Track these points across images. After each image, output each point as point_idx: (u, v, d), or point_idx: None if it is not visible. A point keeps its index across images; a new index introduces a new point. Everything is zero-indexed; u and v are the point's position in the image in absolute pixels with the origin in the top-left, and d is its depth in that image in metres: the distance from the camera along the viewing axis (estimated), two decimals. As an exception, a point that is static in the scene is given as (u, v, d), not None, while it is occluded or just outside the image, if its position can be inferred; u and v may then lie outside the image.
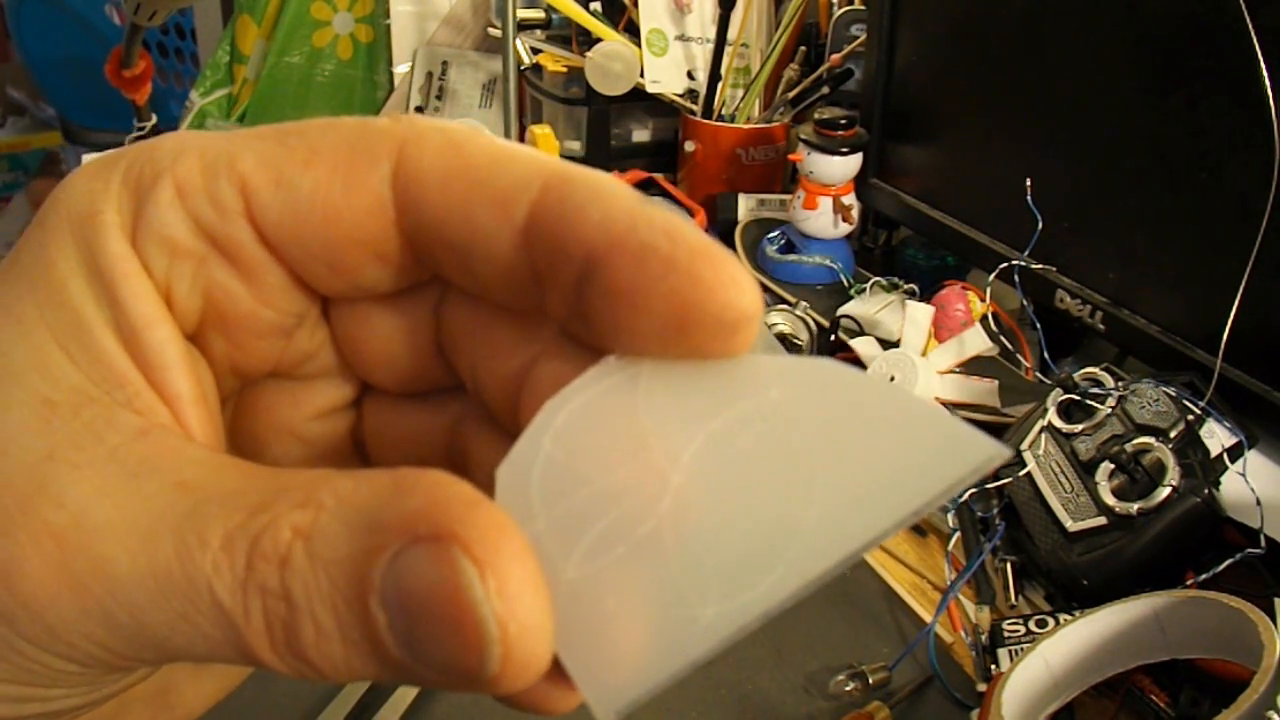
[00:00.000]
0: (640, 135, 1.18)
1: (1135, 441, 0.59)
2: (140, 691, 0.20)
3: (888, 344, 0.78)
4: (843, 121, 0.91)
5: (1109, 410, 0.62)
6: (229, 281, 0.18)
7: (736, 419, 0.15)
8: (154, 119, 1.17)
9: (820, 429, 0.15)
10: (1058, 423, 0.63)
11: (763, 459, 0.15)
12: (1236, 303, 0.62)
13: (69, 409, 0.16)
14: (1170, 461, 0.57)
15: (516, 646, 0.14)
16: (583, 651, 0.15)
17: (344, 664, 0.15)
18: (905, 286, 0.87)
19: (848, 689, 0.55)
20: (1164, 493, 0.56)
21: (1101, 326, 0.74)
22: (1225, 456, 0.58)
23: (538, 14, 1.18)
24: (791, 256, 0.95)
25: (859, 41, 1.00)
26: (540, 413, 0.16)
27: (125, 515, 0.15)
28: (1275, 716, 0.41)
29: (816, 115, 0.93)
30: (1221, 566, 0.56)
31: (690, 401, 0.16)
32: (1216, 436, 0.59)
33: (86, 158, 0.92)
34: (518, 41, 1.12)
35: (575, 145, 1.16)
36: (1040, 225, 0.75)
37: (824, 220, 0.93)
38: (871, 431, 0.15)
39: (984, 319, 0.78)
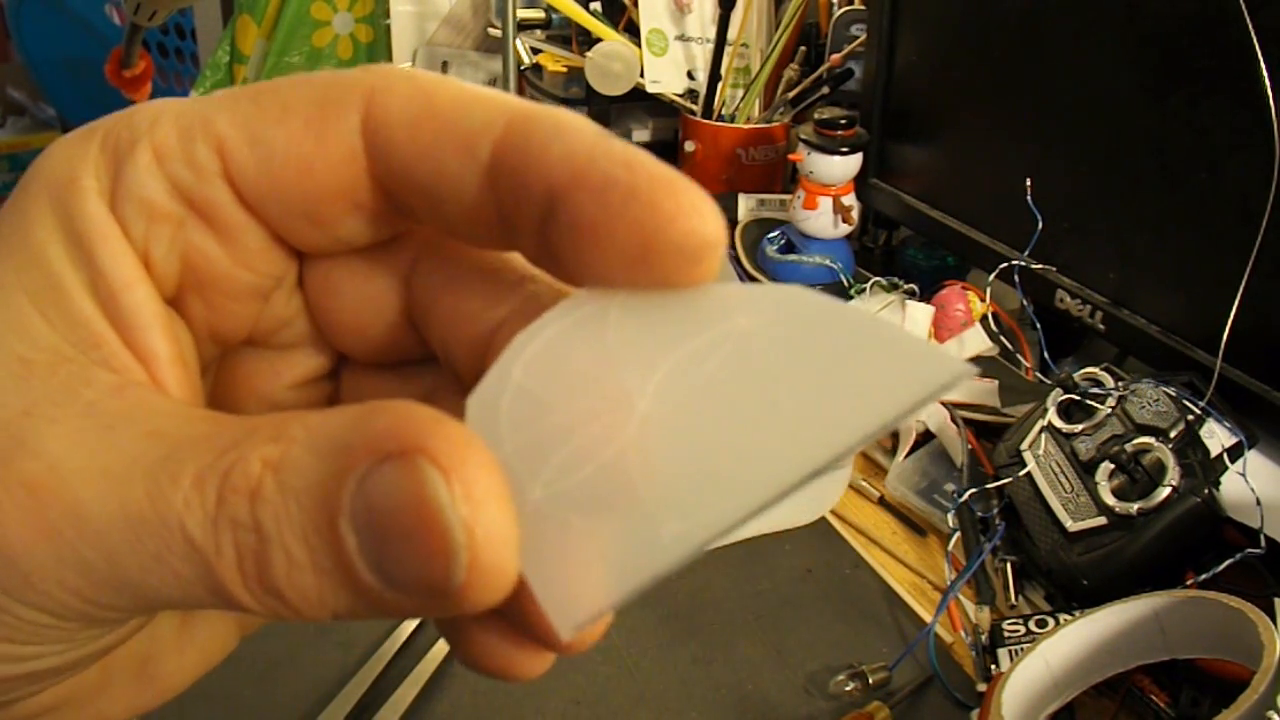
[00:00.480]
0: (640, 135, 1.18)
1: (1135, 441, 0.59)
2: (122, 663, 0.20)
3: (888, 344, 0.78)
4: (843, 121, 0.91)
5: (1109, 410, 0.62)
6: (206, 243, 0.18)
7: (703, 346, 0.16)
8: (154, 119, 1.16)
9: (785, 353, 0.15)
10: (1058, 423, 0.63)
11: (727, 383, 0.15)
12: (1236, 303, 0.62)
13: (45, 367, 0.16)
14: (1170, 461, 0.57)
15: (483, 553, 0.14)
16: (546, 568, 0.15)
17: (316, 596, 0.15)
18: (905, 286, 0.87)
19: (848, 689, 0.55)
20: (1164, 493, 0.56)
21: (1101, 326, 0.74)
22: (1225, 456, 0.58)
23: (538, 14, 1.18)
24: (791, 256, 0.95)
25: (859, 41, 1.00)
26: (510, 345, 0.16)
27: (99, 462, 0.15)
28: (1275, 716, 0.41)
29: (816, 115, 0.93)
30: (1221, 566, 0.56)
31: (658, 330, 0.16)
32: (1216, 436, 0.59)
33: None
34: (518, 41, 1.12)
35: (575, 145, 1.16)
36: (1040, 225, 0.75)
37: (824, 220, 0.94)
38: (836, 353, 0.15)
39: (984, 319, 0.78)
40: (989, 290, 0.78)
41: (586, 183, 0.16)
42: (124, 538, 0.15)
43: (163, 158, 0.17)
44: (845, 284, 0.91)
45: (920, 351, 0.15)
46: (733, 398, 0.15)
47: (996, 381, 0.74)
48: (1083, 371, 0.66)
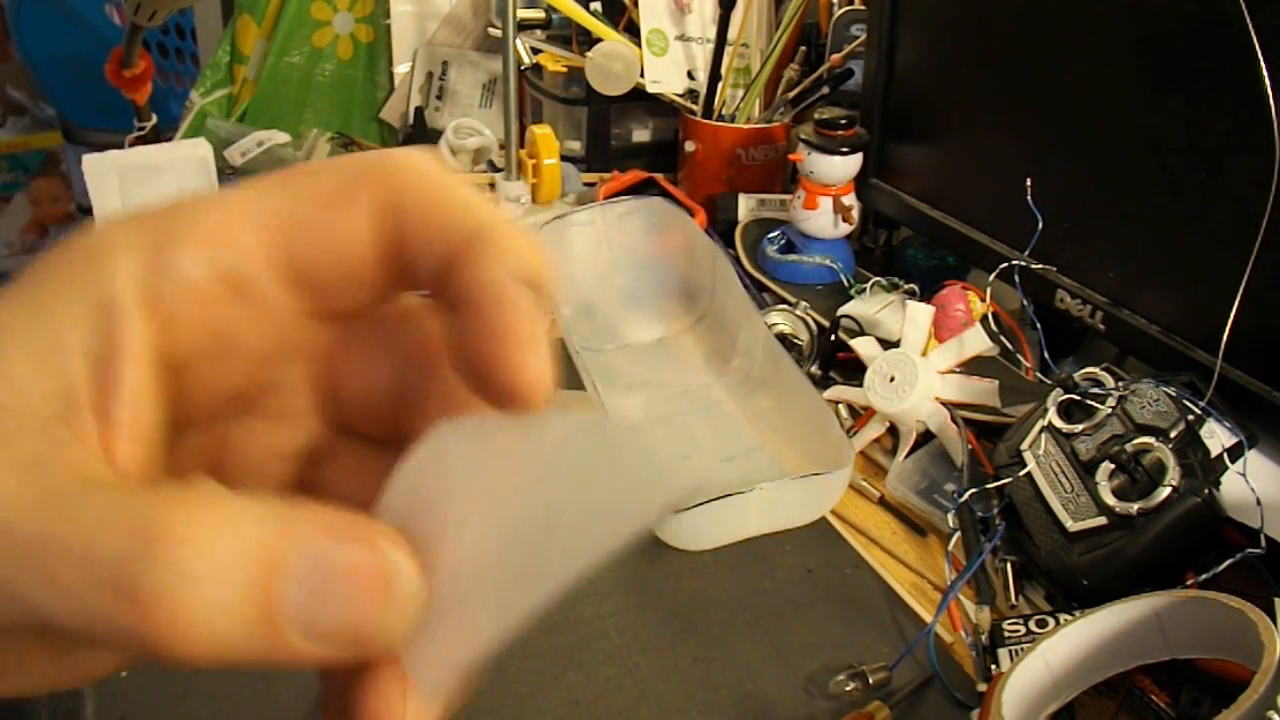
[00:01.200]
0: (640, 135, 1.18)
1: (1135, 441, 0.59)
2: (41, 645, 0.21)
3: (888, 344, 0.78)
4: (843, 121, 0.91)
5: (1109, 410, 0.62)
6: (237, 317, 0.20)
7: (508, 485, 0.20)
8: (154, 119, 1.17)
9: (567, 488, 0.20)
10: (1058, 423, 0.63)
11: (526, 505, 0.20)
12: (1236, 303, 0.62)
13: (11, 413, 0.18)
14: (1170, 461, 0.57)
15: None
16: (412, 650, 0.19)
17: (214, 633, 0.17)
18: (905, 286, 0.87)
19: (848, 689, 0.55)
20: (1164, 493, 0.56)
21: (1101, 326, 0.74)
22: (1225, 456, 0.58)
23: (538, 14, 1.18)
24: (792, 256, 0.95)
25: (859, 41, 1.00)
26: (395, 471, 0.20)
27: (19, 489, 0.17)
28: (1275, 716, 0.41)
29: (817, 115, 0.93)
30: (1221, 566, 0.56)
31: (486, 463, 0.20)
32: (1216, 436, 0.59)
33: (86, 158, 0.92)
34: (518, 41, 1.12)
35: (575, 145, 1.16)
36: (1040, 225, 0.76)
37: (824, 220, 0.94)
38: (593, 489, 0.19)
39: (984, 319, 0.78)
40: (989, 290, 0.78)
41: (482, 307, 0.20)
42: (27, 552, 0.17)
43: (204, 241, 0.19)
44: (845, 284, 0.91)
45: (641, 492, 0.19)
46: (531, 519, 0.19)
47: (996, 381, 0.74)
48: (1083, 371, 0.66)
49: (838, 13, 1.06)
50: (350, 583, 0.17)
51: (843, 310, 0.86)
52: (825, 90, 1.03)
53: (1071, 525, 0.59)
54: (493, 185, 1.08)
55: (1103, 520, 0.58)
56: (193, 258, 0.19)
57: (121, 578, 0.16)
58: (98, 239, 0.19)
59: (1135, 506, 0.57)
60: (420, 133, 1.24)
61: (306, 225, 0.20)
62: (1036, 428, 0.64)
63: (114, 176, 0.91)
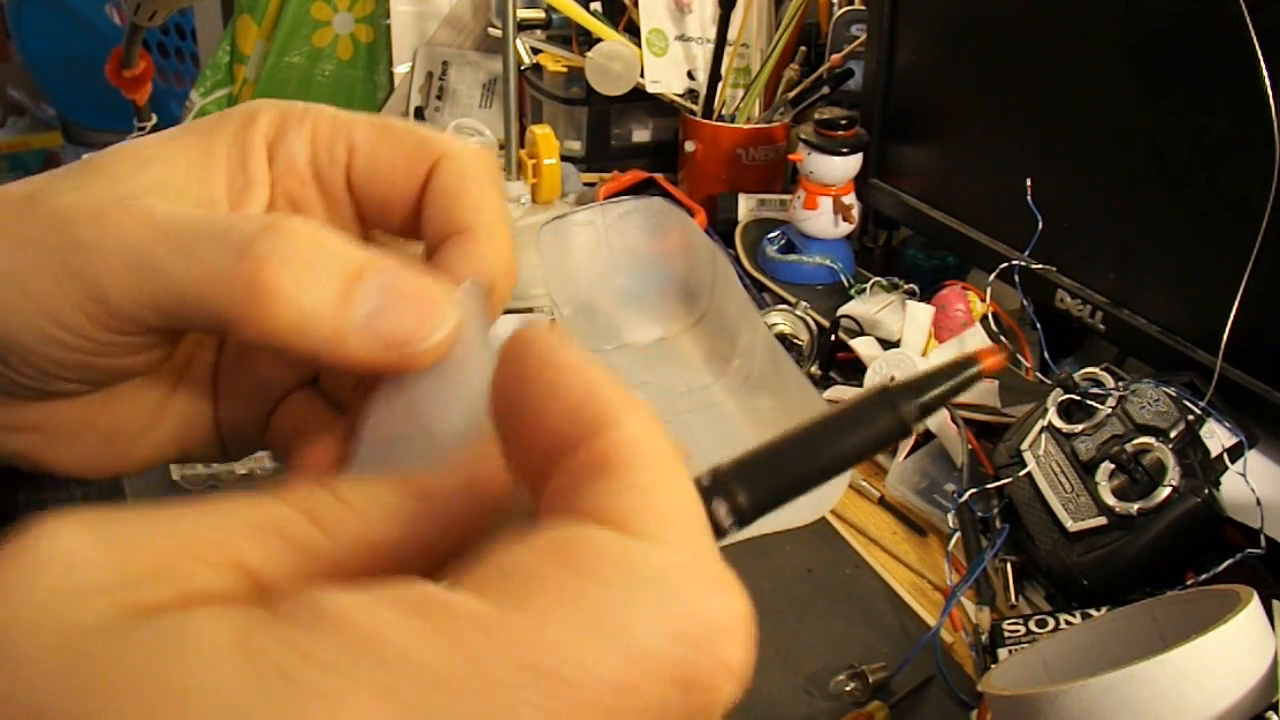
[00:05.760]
0: (640, 135, 1.18)
1: (1135, 441, 0.59)
2: (94, 428, 0.26)
3: (888, 344, 0.78)
4: (843, 121, 0.91)
5: (1109, 410, 0.62)
6: (313, 199, 0.27)
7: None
8: (154, 119, 1.17)
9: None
10: (1058, 423, 0.63)
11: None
12: (1236, 303, 0.62)
13: (173, 191, 0.25)
14: (1170, 461, 0.57)
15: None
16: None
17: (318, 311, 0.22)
18: (905, 286, 0.87)
19: (848, 689, 0.55)
20: (1164, 493, 0.56)
21: (1101, 326, 0.74)
22: (1225, 456, 0.58)
23: (538, 14, 1.18)
24: (792, 256, 0.95)
25: (859, 41, 1.00)
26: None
27: (169, 209, 0.23)
28: (1275, 717, 0.41)
29: (817, 115, 0.93)
30: (1221, 566, 0.56)
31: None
32: (1216, 436, 0.59)
33: (86, 158, 0.92)
34: (518, 41, 1.12)
35: (575, 145, 1.16)
36: (1040, 225, 0.75)
37: (824, 220, 0.93)
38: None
39: (984, 319, 0.78)
40: (989, 290, 0.78)
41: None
42: (167, 234, 0.22)
43: (314, 140, 0.27)
44: (845, 284, 0.91)
45: None
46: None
47: (996, 381, 0.74)
48: (1083, 371, 0.66)
49: (838, 13, 1.06)
50: (412, 299, 0.22)
51: (843, 310, 0.86)
52: (825, 90, 1.03)
53: (1071, 525, 0.59)
54: (493, 185, 1.08)
55: (1103, 520, 0.58)
56: (301, 145, 0.27)
57: (243, 245, 0.21)
58: (252, 109, 0.27)
59: (1135, 506, 0.57)
60: (420, 133, 1.24)
61: (378, 160, 0.26)
62: (1036, 428, 0.64)
63: (114, 176, 0.91)
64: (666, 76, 1.10)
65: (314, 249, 0.22)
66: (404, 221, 0.27)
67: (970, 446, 0.69)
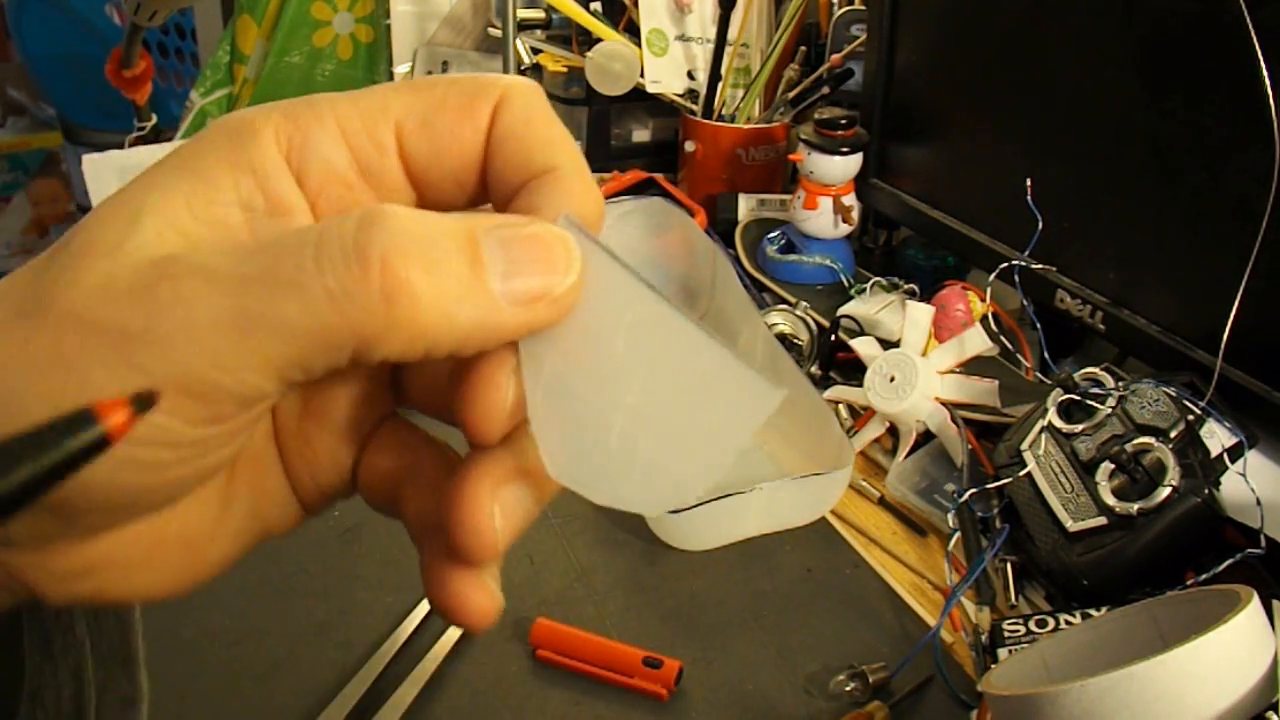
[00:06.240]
0: (640, 135, 1.18)
1: (1135, 441, 0.59)
2: (168, 540, 0.23)
3: (888, 344, 0.78)
4: (843, 121, 0.91)
5: (1109, 410, 0.62)
6: (365, 199, 0.23)
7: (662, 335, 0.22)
8: (154, 119, 1.17)
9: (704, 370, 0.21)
10: (1058, 423, 0.63)
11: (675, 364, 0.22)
12: (1236, 303, 0.62)
13: (192, 239, 0.21)
14: (1170, 461, 0.57)
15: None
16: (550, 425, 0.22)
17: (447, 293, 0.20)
18: (905, 286, 0.87)
19: (848, 689, 0.55)
20: (1164, 493, 0.56)
21: (1101, 326, 0.74)
22: (1225, 456, 0.58)
23: (538, 14, 1.18)
24: (792, 256, 0.95)
25: (859, 41, 1.00)
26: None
27: (220, 254, 0.20)
28: (1275, 717, 0.41)
29: (817, 115, 0.93)
30: (1221, 566, 0.56)
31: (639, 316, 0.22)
32: (1216, 436, 0.59)
33: (86, 158, 0.92)
34: (518, 41, 1.12)
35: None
36: (1040, 225, 0.76)
37: (824, 220, 0.94)
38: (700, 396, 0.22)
39: (984, 319, 0.78)
40: (989, 290, 0.78)
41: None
42: (247, 283, 0.19)
43: (347, 133, 0.22)
44: (845, 284, 0.91)
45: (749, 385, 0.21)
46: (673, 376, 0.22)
47: (997, 381, 0.74)
48: (1083, 371, 0.66)
49: (838, 13, 1.06)
50: (533, 245, 0.21)
51: (843, 310, 0.86)
52: (825, 90, 1.03)
53: (1071, 525, 0.59)
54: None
55: (1103, 520, 0.58)
56: (333, 146, 0.22)
57: (353, 254, 0.19)
58: (240, 122, 0.22)
59: (1135, 506, 0.57)
60: (420, 133, 1.24)
61: (434, 128, 0.23)
62: (1036, 428, 0.64)
63: (114, 176, 0.91)
64: (666, 76, 1.10)
65: (423, 227, 0.19)
66: (475, 190, 0.24)
67: (970, 446, 0.69)
